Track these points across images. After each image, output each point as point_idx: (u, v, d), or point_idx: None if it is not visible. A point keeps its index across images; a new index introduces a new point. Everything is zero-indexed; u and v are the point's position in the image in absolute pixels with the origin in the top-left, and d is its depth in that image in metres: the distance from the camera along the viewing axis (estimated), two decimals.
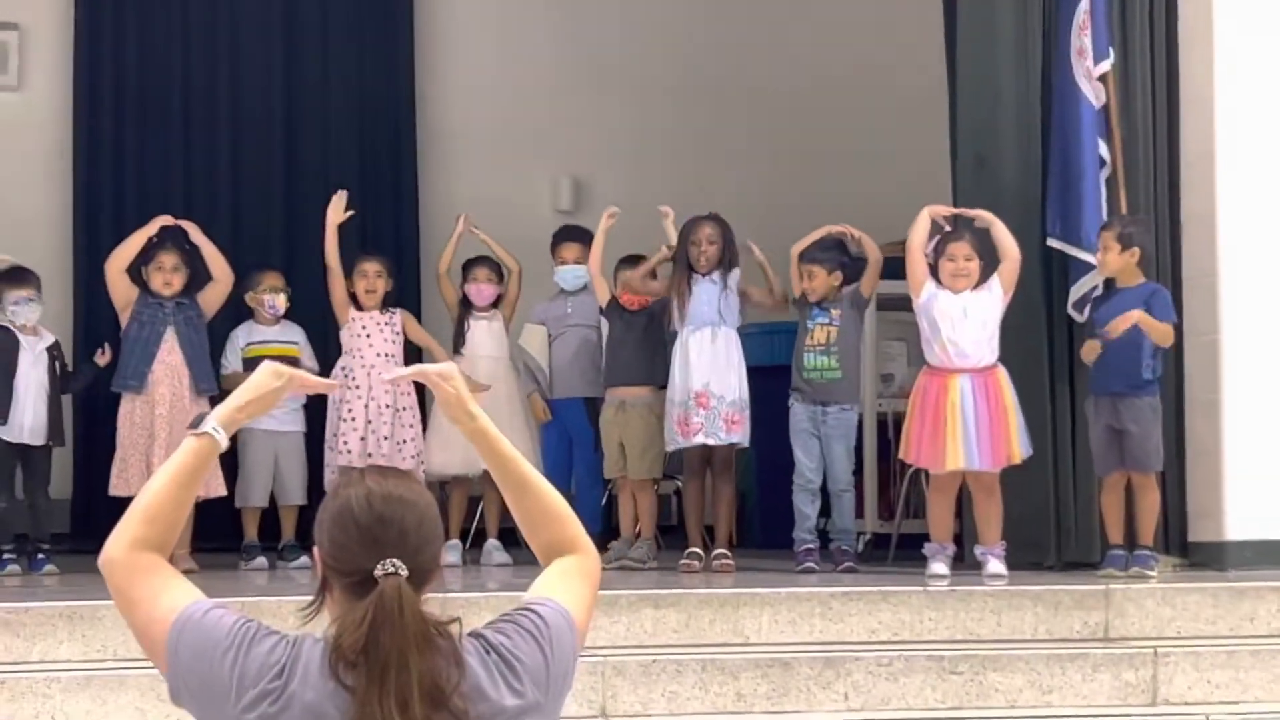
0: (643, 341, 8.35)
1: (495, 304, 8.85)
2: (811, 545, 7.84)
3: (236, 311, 8.87)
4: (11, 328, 8.12)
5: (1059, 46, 7.95)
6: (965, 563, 7.59)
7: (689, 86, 11.18)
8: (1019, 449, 7.48)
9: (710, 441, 7.98)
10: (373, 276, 8.61)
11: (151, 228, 8.44)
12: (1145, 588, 6.89)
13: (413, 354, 8.86)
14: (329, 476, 8.42)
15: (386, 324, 8.61)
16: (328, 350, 8.83)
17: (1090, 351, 7.47)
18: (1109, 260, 7.55)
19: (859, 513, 8.53)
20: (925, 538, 7.65)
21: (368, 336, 8.55)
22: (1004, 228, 7.60)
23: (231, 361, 8.64)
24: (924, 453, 7.53)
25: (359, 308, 8.60)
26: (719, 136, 11.13)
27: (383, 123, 10.98)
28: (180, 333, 8.27)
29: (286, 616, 5.58)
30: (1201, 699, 6.46)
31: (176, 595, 2.64)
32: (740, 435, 8.03)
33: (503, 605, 6.11)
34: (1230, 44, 8.06)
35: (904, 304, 7.99)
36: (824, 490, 8.00)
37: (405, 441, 8.49)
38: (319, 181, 10.33)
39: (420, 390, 8.85)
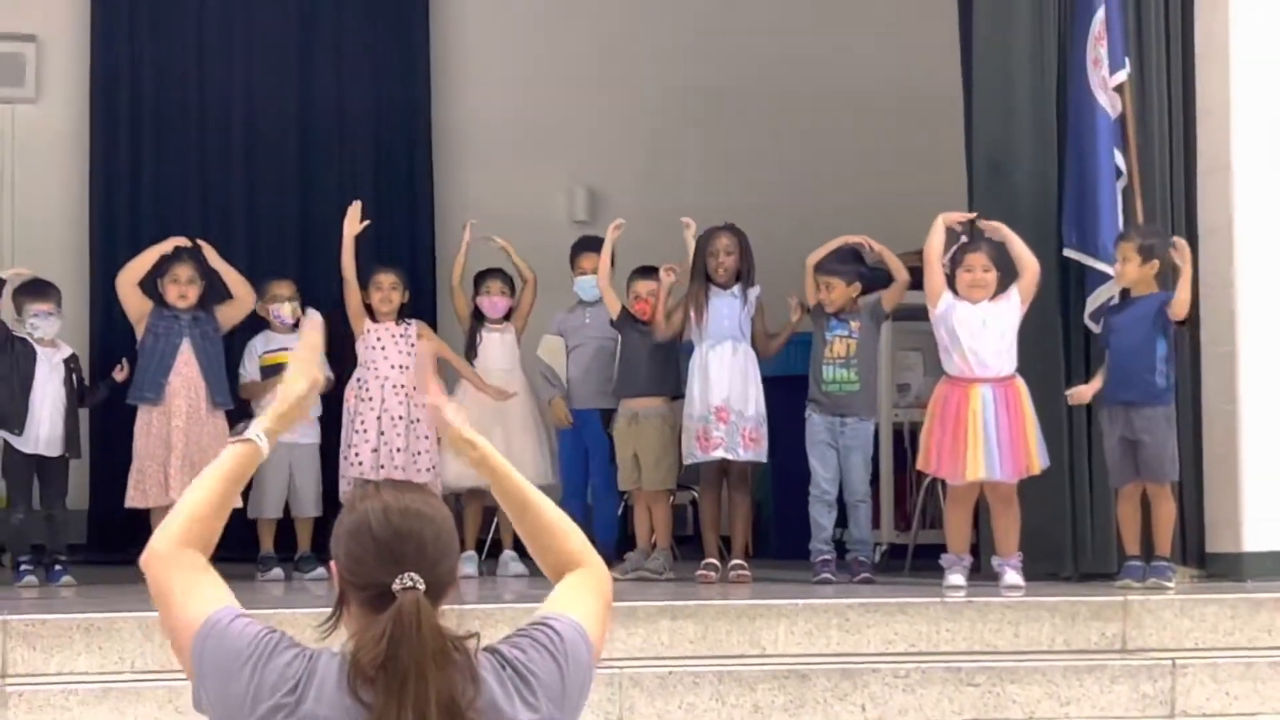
0: (655, 352, 8.34)
1: (507, 315, 8.85)
2: (828, 556, 7.83)
3: (254, 319, 8.87)
4: (29, 340, 8.14)
5: (1074, 56, 7.94)
6: (982, 574, 7.58)
7: (705, 95, 11.18)
8: (1038, 460, 7.46)
9: (730, 457, 7.98)
10: (388, 289, 8.61)
11: (165, 246, 8.45)
12: (1163, 599, 6.87)
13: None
14: (344, 488, 8.43)
15: (402, 336, 8.61)
16: (345, 361, 8.82)
17: (1079, 398, 7.48)
18: (1128, 272, 7.53)
19: (875, 523, 8.52)
20: (942, 548, 7.63)
21: (382, 348, 8.55)
22: (1020, 241, 7.58)
23: (250, 370, 8.67)
24: (944, 463, 7.51)
25: (374, 319, 8.60)
26: (735, 145, 11.13)
27: (398, 133, 10.99)
28: (196, 345, 8.28)
29: (303, 628, 5.58)
30: (1220, 710, 6.45)
31: (208, 599, 2.64)
32: (758, 452, 8.02)
33: (519, 617, 6.12)
34: (1247, 54, 8.05)
35: (920, 314, 7.97)
36: (840, 501, 8.00)
37: (420, 453, 8.49)
38: (334, 192, 10.36)
39: None
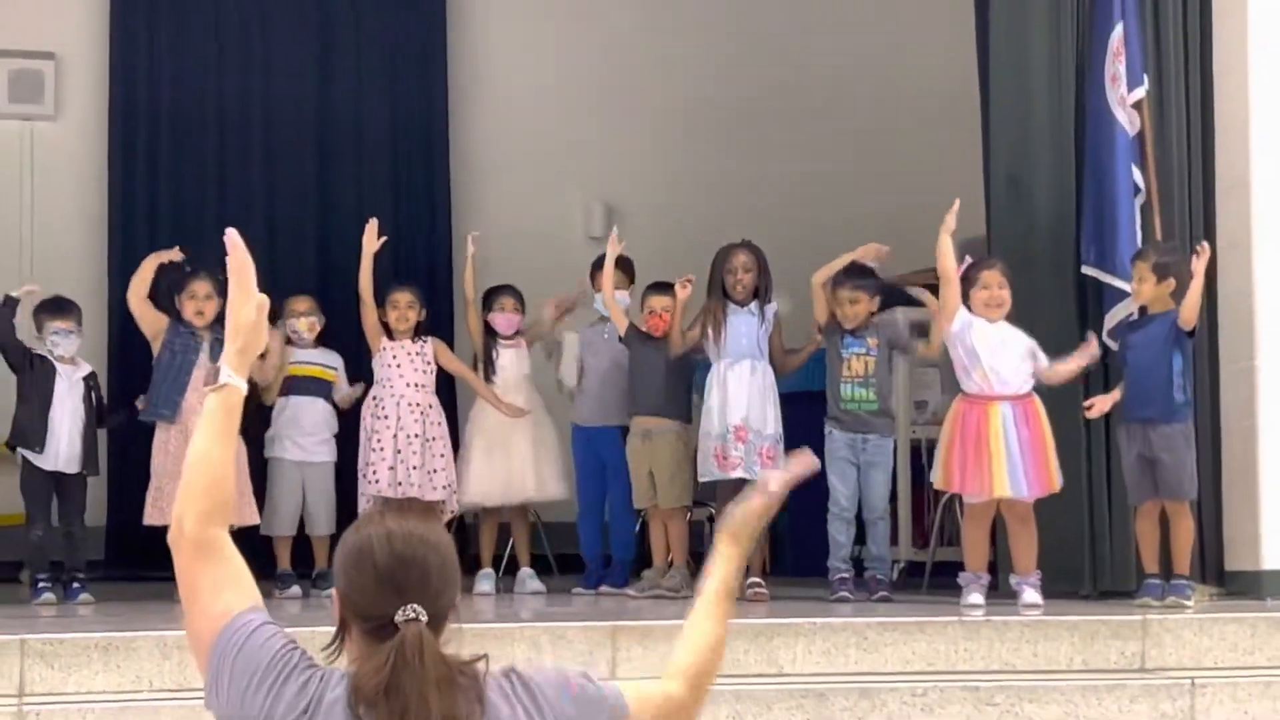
0: (667, 371, 8.30)
1: (517, 330, 8.85)
2: (846, 574, 7.81)
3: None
4: (50, 357, 8.15)
5: (1092, 72, 7.93)
6: (1000, 592, 7.56)
7: (722, 111, 11.18)
8: (1057, 478, 7.45)
9: (748, 477, 7.95)
10: (404, 307, 8.61)
11: (161, 256, 8.42)
12: (1182, 618, 6.84)
13: (444, 381, 8.86)
14: (362, 506, 8.43)
15: (418, 354, 8.60)
16: (363, 378, 8.81)
17: (1098, 409, 7.46)
18: (1144, 290, 7.51)
19: (893, 540, 8.49)
20: (959, 566, 7.61)
21: (398, 366, 8.55)
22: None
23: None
24: (967, 480, 7.47)
25: (391, 337, 8.60)
26: (752, 161, 11.13)
27: (415, 150, 11.01)
28: (213, 361, 8.29)
29: (321, 646, 5.57)
30: None
31: (235, 596, 2.63)
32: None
33: (537, 635, 6.10)
34: (1266, 70, 8.03)
35: None
36: (857, 518, 7.97)
37: (436, 471, 8.48)
38: (352, 208, 10.39)
39: (451, 419, 8.86)
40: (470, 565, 8.50)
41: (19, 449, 8.12)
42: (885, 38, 11.13)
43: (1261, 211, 7.97)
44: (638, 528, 8.94)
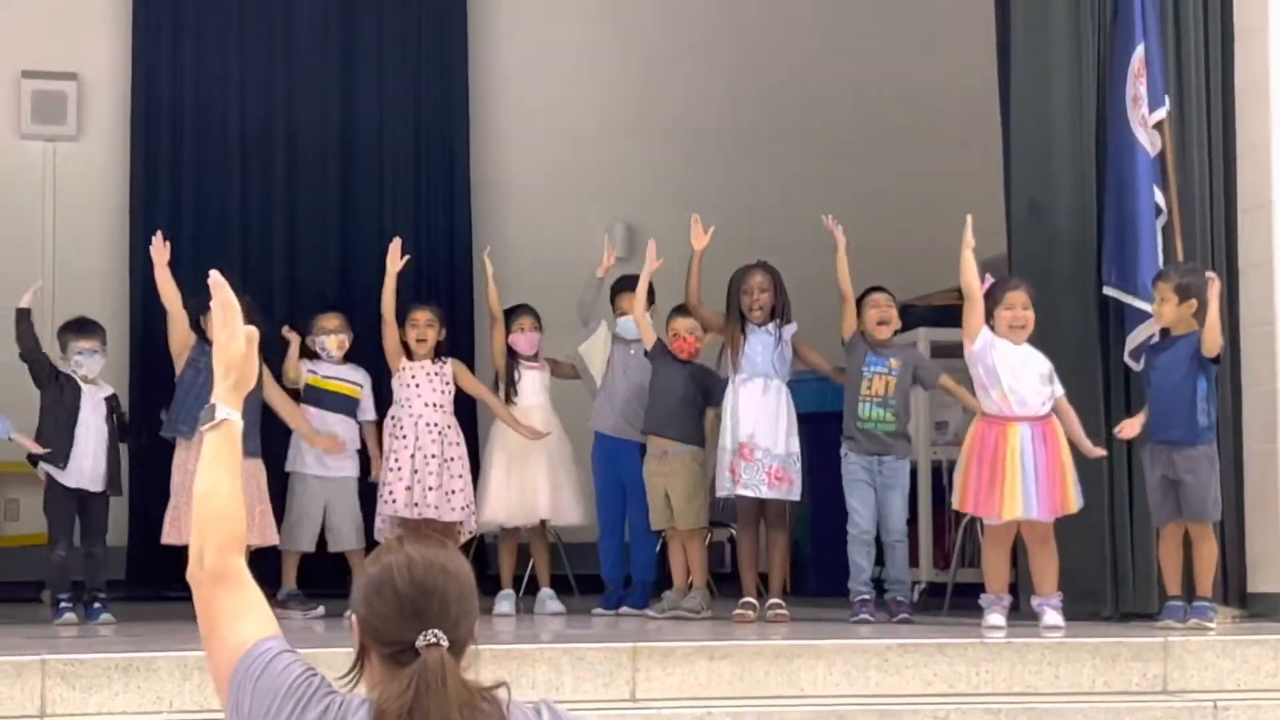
0: (686, 395, 8.29)
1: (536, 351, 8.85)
2: (867, 596, 7.79)
3: (304, 350, 8.86)
4: (74, 376, 8.18)
5: (1113, 93, 7.92)
6: (1021, 613, 7.53)
7: (742, 130, 11.20)
8: (1075, 499, 7.43)
9: (749, 494, 7.94)
10: (423, 326, 8.61)
11: (159, 261, 8.34)
12: (1204, 640, 6.81)
13: (464, 401, 8.85)
14: (379, 526, 8.43)
15: (436, 374, 8.60)
16: (383, 396, 8.82)
17: (1129, 431, 7.43)
18: (1165, 312, 7.49)
19: (913, 561, 8.46)
20: (980, 587, 7.59)
21: (416, 386, 8.54)
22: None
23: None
24: (980, 502, 7.47)
25: (410, 357, 8.60)
26: (771, 182, 11.14)
27: (437, 170, 11.04)
28: None
29: (342, 667, 5.57)
30: None
31: (253, 626, 2.66)
32: (784, 491, 7.94)
33: (558, 657, 6.08)
34: None
35: (958, 350, 7.95)
36: (877, 539, 7.95)
37: (454, 492, 8.46)
38: (374, 228, 10.42)
39: (471, 440, 8.86)
40: (490, 586, 8.49)
41: (42, 465, 8.13)
42: (906, 60, 11.13)
43: None
44: (658, 548, 8.93)
